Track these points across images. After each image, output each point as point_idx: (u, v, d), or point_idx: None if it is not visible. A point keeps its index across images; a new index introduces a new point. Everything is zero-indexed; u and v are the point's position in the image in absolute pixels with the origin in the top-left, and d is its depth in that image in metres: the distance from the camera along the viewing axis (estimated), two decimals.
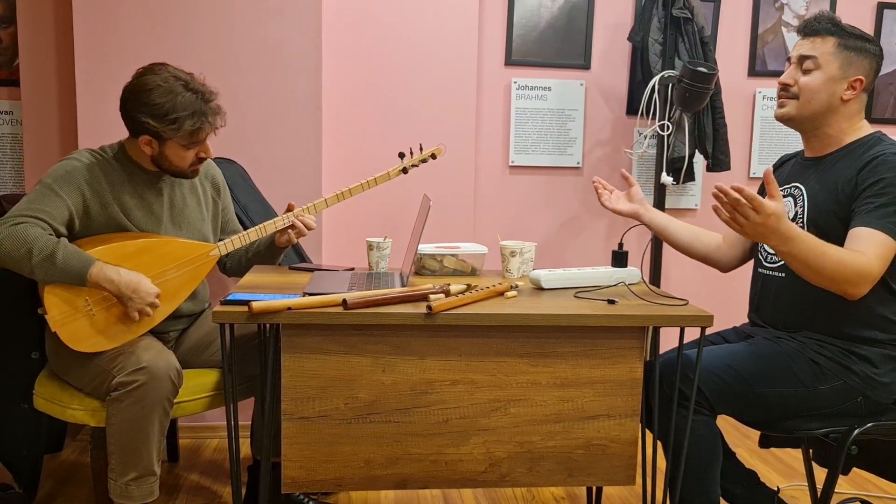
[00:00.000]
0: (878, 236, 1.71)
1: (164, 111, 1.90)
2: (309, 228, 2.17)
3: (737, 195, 1.58)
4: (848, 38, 1.85)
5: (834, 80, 1.85)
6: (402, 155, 2.16)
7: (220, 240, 2.23)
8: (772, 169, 1.63)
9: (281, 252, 2.26)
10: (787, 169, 2.04)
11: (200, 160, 2.04)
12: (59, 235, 1.89)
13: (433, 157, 2.19)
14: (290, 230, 2.16)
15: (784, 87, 1.91)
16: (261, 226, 2.11)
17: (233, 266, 2.30)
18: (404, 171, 2.16)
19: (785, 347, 1.86)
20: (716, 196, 1.62)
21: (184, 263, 2.00)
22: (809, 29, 1.89)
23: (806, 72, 1.87)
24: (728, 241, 2.13)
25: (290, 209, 2.17)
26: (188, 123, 1.91)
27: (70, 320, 1.87)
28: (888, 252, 1.72)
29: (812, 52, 1.87)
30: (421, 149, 2.19)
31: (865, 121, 1.91)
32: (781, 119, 1.93)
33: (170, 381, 1.87)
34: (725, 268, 2.15)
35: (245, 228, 2.36)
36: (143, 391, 1.83)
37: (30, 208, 1.87)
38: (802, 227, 1.86)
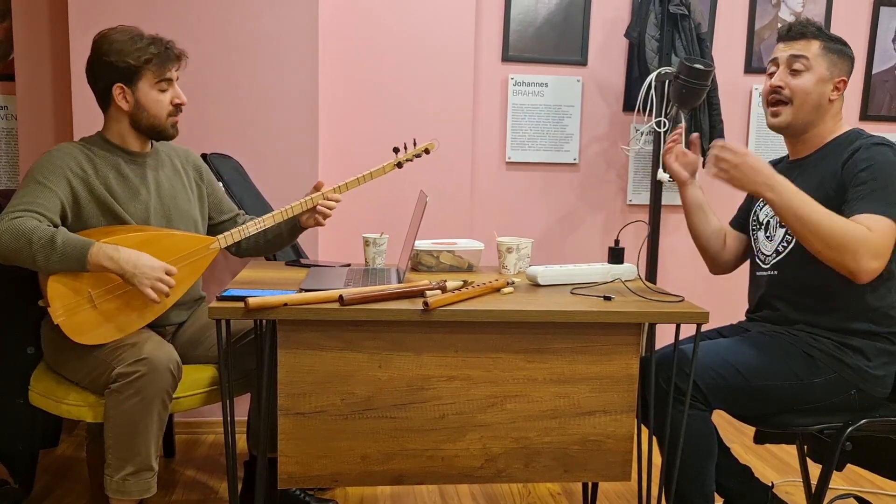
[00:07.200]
0: (877, 219, 1.70)
1: (128, 47, 2.00)
2: (326, 214, 2.18)
3: (716, 151, 1.78)
4: (829, 41, 1.90)
5: (823, 81, 1.88)
6: (396, 150, 2.17)
7: (213, 222, 2.25)
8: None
9: (299, 233, 2.26)
10: None
11: (177, 108, 2.08)
12: (55, 226, 1.89)
13: (426, 151, 2.20)
14: (316, 214, 2.16)
15: (776, 91, 1.90)
16: (268, 215, 2.10)
17: (249, 247, 2.29)
18: (399, 165, 2.17)
19: (779, 341, 1.87)
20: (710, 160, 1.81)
21: (185, 256, 2.00)
22: (795, 32, 1.91)
23: (796, 73, 1.88)
24: (729, 244, 2.13)
25: (317, 188, 2.17)
26: (152, 48, 2.01)
27: (74, 312, 1.87)
28: (889, 230, 1.70)
29: (803, 52, 1.88)
30: (415, 144, 2.20)
31: (843, 118, 1.96)
32: (778, 127, 1.93)
33: (170, 373, 1.87)
34: (717, 266, 2.14)
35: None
36: (142, 383, 1.83)
37: (23, 202, 1.87)
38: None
